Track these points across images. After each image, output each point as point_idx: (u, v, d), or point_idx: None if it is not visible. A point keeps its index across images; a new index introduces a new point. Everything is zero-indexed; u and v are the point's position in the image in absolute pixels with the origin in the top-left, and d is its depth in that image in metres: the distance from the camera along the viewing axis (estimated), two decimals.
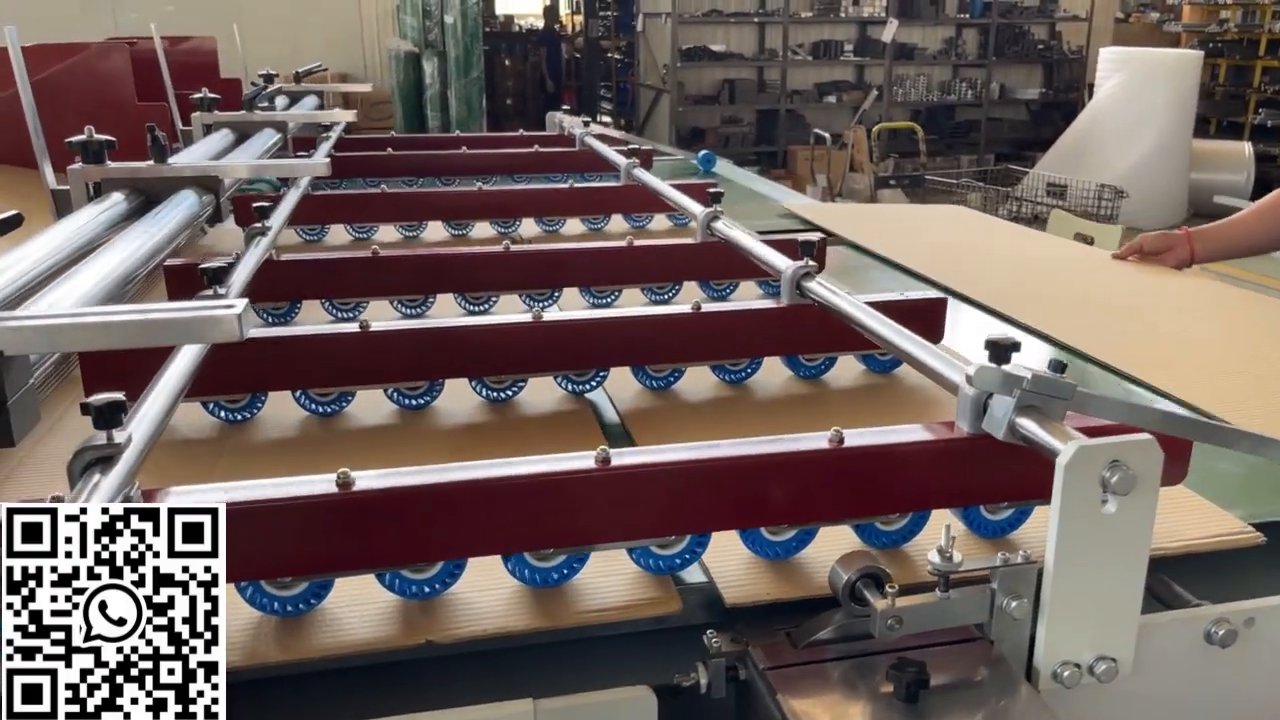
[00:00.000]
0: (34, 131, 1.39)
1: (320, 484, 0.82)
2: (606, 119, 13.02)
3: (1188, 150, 8.92)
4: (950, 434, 0.93)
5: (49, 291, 0.93)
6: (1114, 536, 0.79)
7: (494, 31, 13.91)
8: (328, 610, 0.86)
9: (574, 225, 2.43)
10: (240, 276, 1.31)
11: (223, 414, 1.26)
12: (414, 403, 1.31)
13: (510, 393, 1.33)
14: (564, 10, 15.63)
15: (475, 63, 8.83)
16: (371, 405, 1.30)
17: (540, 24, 15.19)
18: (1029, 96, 11.91)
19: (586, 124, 3.14)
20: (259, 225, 1.55)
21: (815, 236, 1.42)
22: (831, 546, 0.94)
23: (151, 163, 1.45)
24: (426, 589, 0.87)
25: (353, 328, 1.26)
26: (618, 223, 2.46)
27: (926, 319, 1.43)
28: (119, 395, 0.77)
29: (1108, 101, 9.05)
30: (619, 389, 1.37)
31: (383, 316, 1.69)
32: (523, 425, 1.29)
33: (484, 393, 1.32)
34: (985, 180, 7.83)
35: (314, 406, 1.28)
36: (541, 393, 1.34)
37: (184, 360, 1.00)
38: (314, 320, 1.66)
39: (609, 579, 0.91)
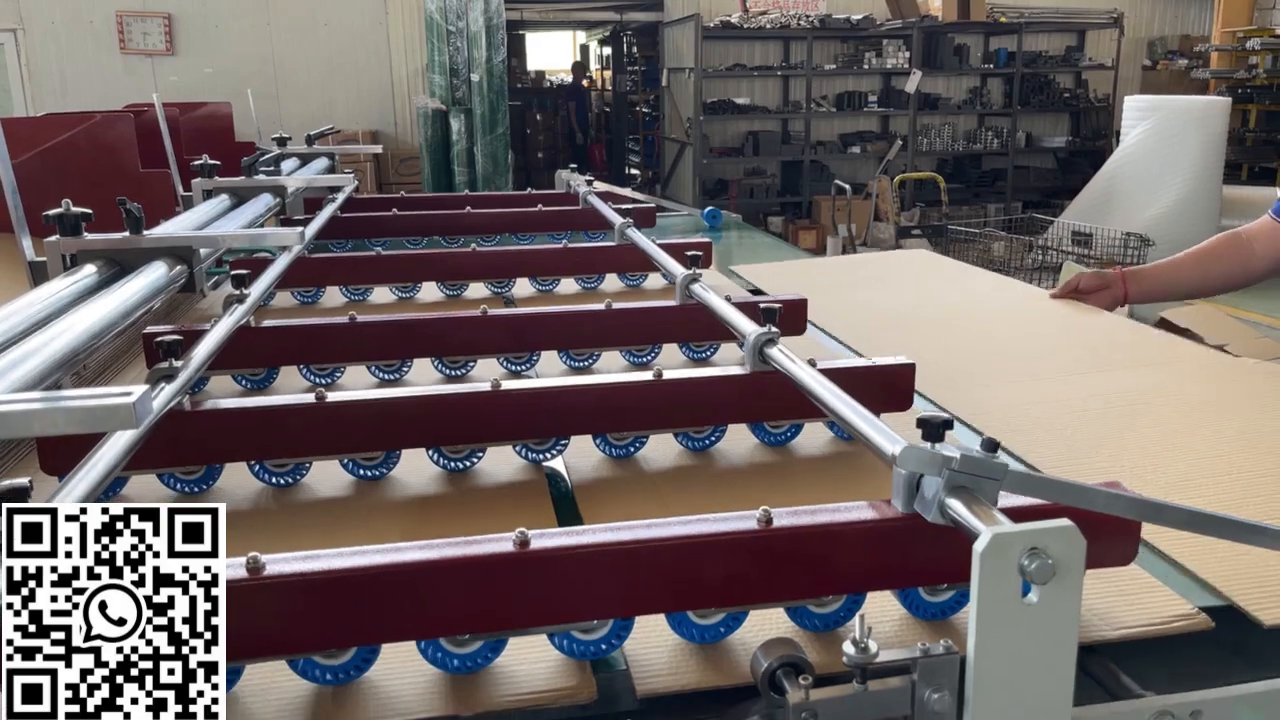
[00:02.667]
0: (12, 204, 1.42)
1: (230, 568, 0.81)
2: (635, 171, 13.19)
3: (1218, 197, 8.82)
4: (884, 514, 0.91)
5: None
6: (1038, 627, 0.76)
7: (525, 87, 14.21)
8: (234, 697, 0.85)
9: (569, 285, 2.44)
10: (206, 346, 1.33)
11: (178, 485, 1.26)
12: (371, 473, 1.30)
13: (469, 463, 1.32)
14: (593, 66, 15.92)
15: (501, 119, 9.00)
16: (328, 476, 1.30)
17: (570, 79, 15.47)
18: (1056, 145, 11.88)
19: (589, 182, 3.17)
20: (235, 293, 1.57)
21: (779, 303, 1.40)
22: (764, 630, 0.91)
23: (126, 234, 1.48)
24: (340, 675, 0.85)
25: (309, 399, 1.26)
26: (613, 282, 2.46)
27: (894, 386, 1.40)
28: (23, 481, 0.77)
29: (1135, 149, 9.00)
30: (580, 457, 1.36)
31: (360, 381, 1.70)
32: (479, 496, 1.28)
33: (441, 462, 1.32)
34: (1010, 229, 7.79)
35: (269, 478, 1.27)
36: (500, 462, 1.33)
37: (124, 436, 1.01)
38: (291, 387, 1.67)
39: (527, 666, 0.89)
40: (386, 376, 1.70)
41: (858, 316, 2.16)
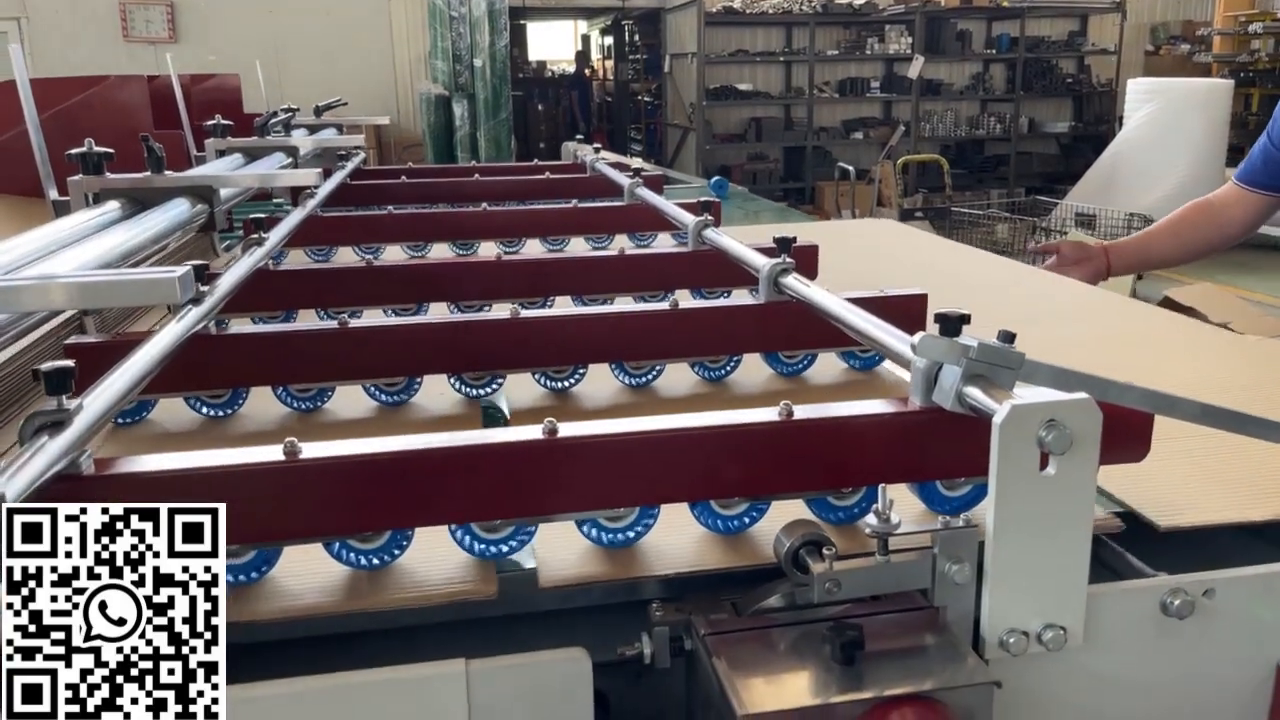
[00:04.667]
0: (37, 149, 1.44)
1: (268, 453, 0.83)
2: (637, 160, 13.17)
3: (1220, 180, 8.66)
4: (902, 408, 0.93)
5: (22, 270, 0.96)
6: (1055, 499, 0.78)
7: (527, 77, 14.19)
8: (274, 579, 0.87)
9: (578, 245, 2.45)
10: (227, 280, 1.35)
11: (205, 410, 1.28)
12: (393, 399, 1.32)
13: (489, 390, 1.34)
14: (595, 55, 15.90)
15: (504, 105, 9.00)
16: (351, 401, 1.32)
17: (572, 69, 15.46)
18: (1058, 130, 11.87)
19: (597, 150, 3.18)
20: (255, 236, 1.59)
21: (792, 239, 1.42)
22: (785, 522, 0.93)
23: (147, 174, 1.50)
24: (374, 560, 0.88)
25: (332, 324, 1.28)
26: (621, 243, 2.48)
27: (908, 315, 1.42)
28: (69, 363, 0.79)
29: (1138, 132, 9.00)
30: (598, 387, 1.38)
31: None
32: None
33: (462, 389, 1.34)
34: (1013, 211, 7.80)
35: (293, 402, 1.30)
36: (520, 390, 1.36)
37: (155, 346, 1.03)
38: None
39: (554, 554, 0.91)
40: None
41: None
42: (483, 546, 0.89)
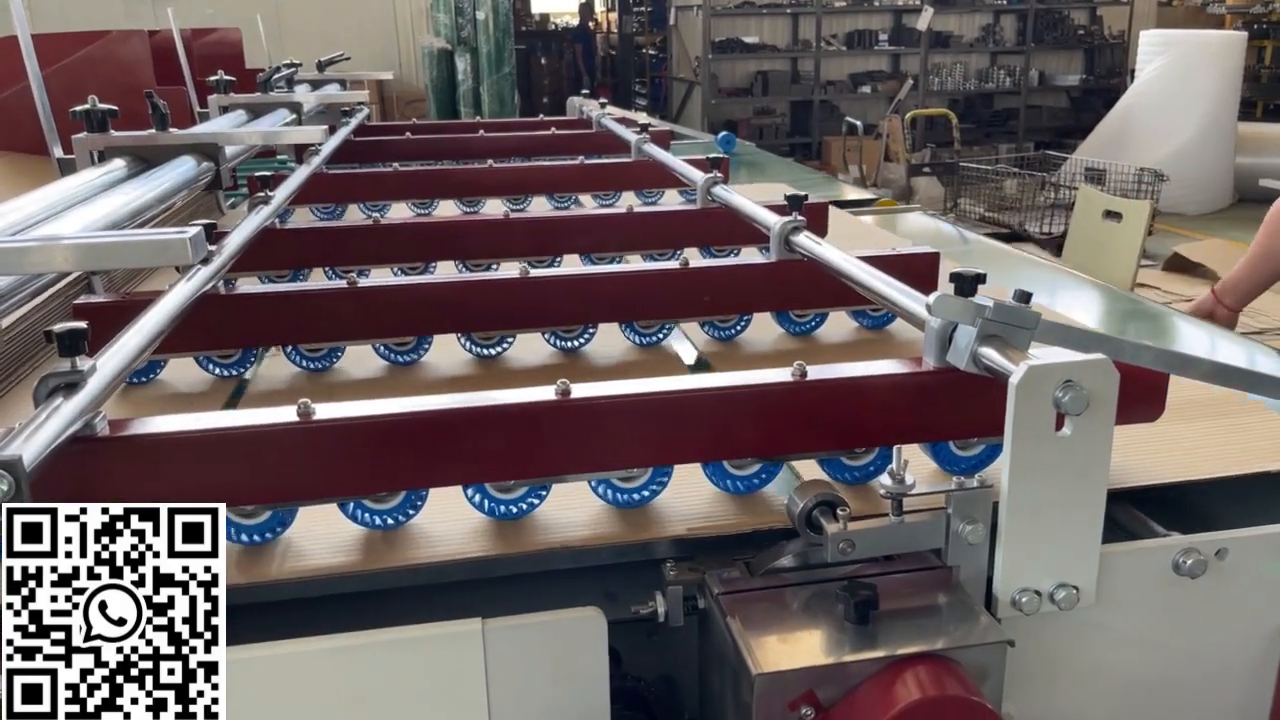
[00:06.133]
0: (41, 106, 1.43)
1: (282, 414, 0.83)
2: (642, 115, 13.05)
3: (1233, 134, 8.71)
4: (916, 368, 0.92)
5: (30, 231, 0.96)
6: (1070, 460, 0.78)
7: (530, 30, 14.01)
8: (290, 539, 0.88)
9: (585, 202, 2.44)
10: (235, 240, 1.34)
11: (217, 370, 1.29)
12: (403, 358, 1.32)
13: (498, 349, 1.34)
14: (599, 8, 15.67)
15: (507, 58, 8.89)
16: (361, 361, 1.32)
17: (575, 22, 15.24)
18: (1069, 83, 11.71)
19: (603, 105, 3.15)
20: (261, 195, 1.58)
21: (804, 193, 1.41)
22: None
23: (152, 131, 1.49)
24: (389, 520, 0.88)
25: (341, 284, 1.28)
26: (629, 200, 2.46)
27: (919, 274, 1.41)
28: (81, 324, 0.79)
29: (1150, 85, 8.87)
30: (608, 346, 1.37)
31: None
32: (510, 380, 1.30)
33: (472, 349, 1.33)
34: (1022, 166, 7.72)
35: (304, 362, 1.30)
36: (529, 349, 1.35)
37: (165, 306, 1.02)
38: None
39: (569, 513, 0.91)
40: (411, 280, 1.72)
41: None
42: (495, 505, 0.89)
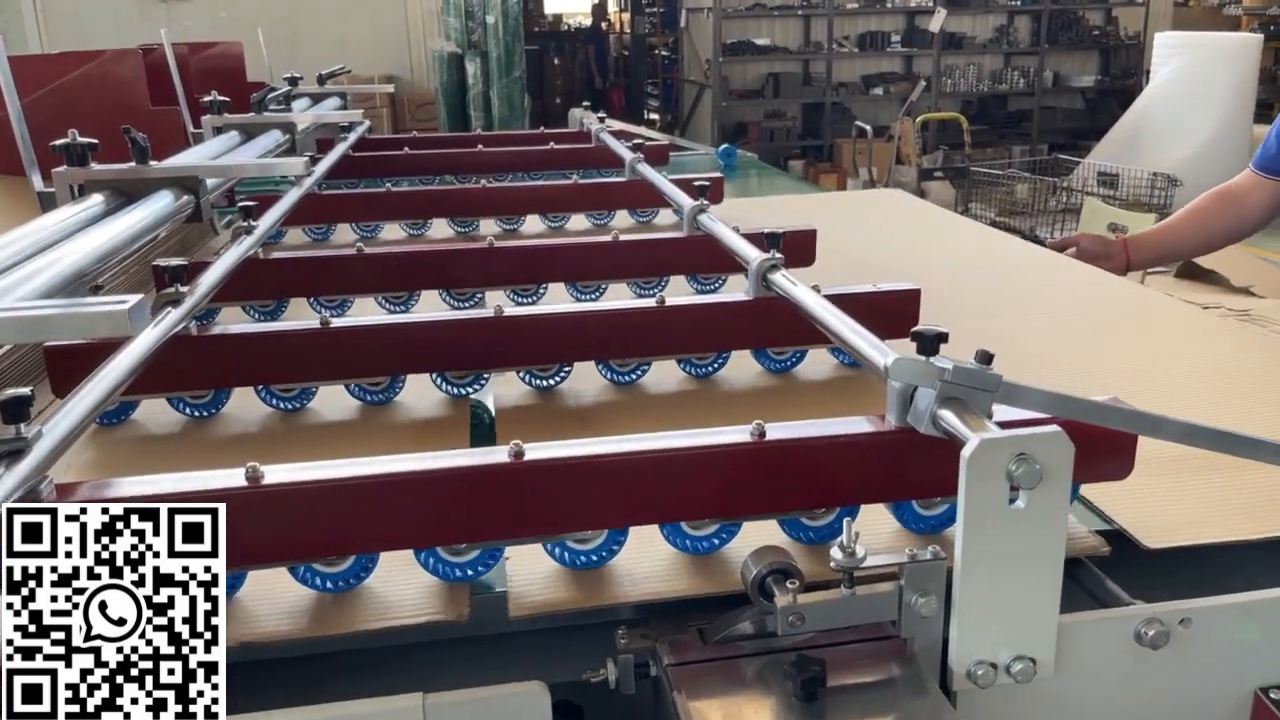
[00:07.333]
0: (19, 136, 1.43)
1: (229, 477, 0.82)
2: (654, 115, 13.05)
3: (1248, 137, 8.61)
4: (877, 427, 0.91)
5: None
6: (1025, 532, 0.76)
7: (542, 31, 14.03)
8: (237, 601, 0.87)
9: (579, 221, 2.43)
10: (213, 275, 1.34)
11: (187, 410, 1.28)
12: (376, 398, 1.31)
13: (473, 388, 1.33)
14: (611, 8, 15.67)
15: (517, 62, 8.90)
16: (334, 401, 1.31)
17: (588, 22, 15.26)
18: (1084, 84, 11.62)
19: (601, 119, 3.14)
20: (244, 224, 1.58)
21: (784, 231, 1.39)
22: (758, 543, 0.92)
23: (132, 164, 1.49)
24: (339, 582, 0.87)
25: (314, 324, 1.27)
26: (624, 219, 2.45)
27: (899, 311, 1.40)
28: (25, 391, 0.78)
29: (1164, 87, 8.79)
30: (584, 384, 1.36)
31: (368, 313, 1.71)
32: None
33: (446, 388, 1.33)
34: (1034, 171, 7.66)
35: (276, 402, 1.29)
36: (505, 388, 1.34)
37: (134, 351, 1.02)
38: (300, 317, 1.68)
39: (524, 576, 0.90)
40: (394, 310, 1.71)
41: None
42: (448, 570, 0.88)
